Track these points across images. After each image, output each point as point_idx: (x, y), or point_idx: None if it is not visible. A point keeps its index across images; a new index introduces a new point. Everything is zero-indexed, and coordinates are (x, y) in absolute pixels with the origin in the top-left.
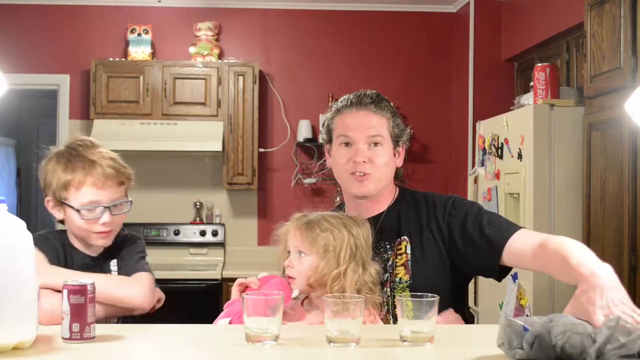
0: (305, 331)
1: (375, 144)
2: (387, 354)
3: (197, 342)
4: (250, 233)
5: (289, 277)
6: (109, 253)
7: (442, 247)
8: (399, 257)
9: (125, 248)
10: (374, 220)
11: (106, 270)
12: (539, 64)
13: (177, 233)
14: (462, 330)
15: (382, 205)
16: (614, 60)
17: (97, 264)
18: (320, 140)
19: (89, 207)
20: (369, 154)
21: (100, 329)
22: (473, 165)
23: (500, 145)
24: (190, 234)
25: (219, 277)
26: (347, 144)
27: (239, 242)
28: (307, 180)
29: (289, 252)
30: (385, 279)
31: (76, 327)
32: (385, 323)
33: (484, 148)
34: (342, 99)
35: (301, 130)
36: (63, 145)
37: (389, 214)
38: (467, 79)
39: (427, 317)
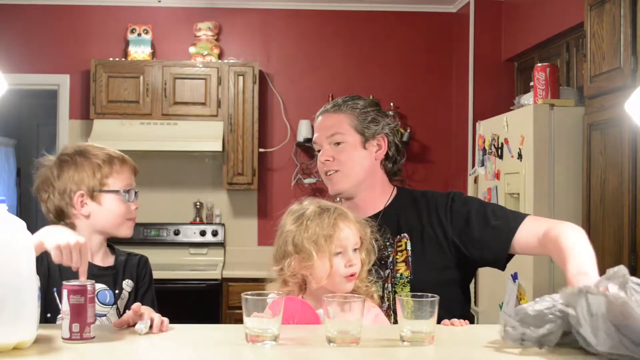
0: (305, 331)
1: (337, 143)
2: (387, 354)
3: (197, 342)
4: (250, 233)
5: (353, 275)
6: (117, 268)
7: (444, 242)
8: (399, 253)
9: (144, 278)
10: (372, 220)
11: (116, 285)
12: (539, 64)
13: (177, 233)
14: (462, 330)
15: (376, 204)
16: (614, 60)
17: (106, 276)
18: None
19: (128, 190)
20: (331, 152)
21: (100, 329)
22: (473, 165)
23: (500, 145)
24: (190, 234)
25: (219, 277)
26: (319, 150)
27: (239, 242)
28: (307, 180)
29: (338, 252)
30: (386, 275)
31: (76, 327)
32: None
33: (484, 148)
34: None
35: (301, 130)
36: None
37: (387, 213)
38: (467, 79)
39: (428, 317)
